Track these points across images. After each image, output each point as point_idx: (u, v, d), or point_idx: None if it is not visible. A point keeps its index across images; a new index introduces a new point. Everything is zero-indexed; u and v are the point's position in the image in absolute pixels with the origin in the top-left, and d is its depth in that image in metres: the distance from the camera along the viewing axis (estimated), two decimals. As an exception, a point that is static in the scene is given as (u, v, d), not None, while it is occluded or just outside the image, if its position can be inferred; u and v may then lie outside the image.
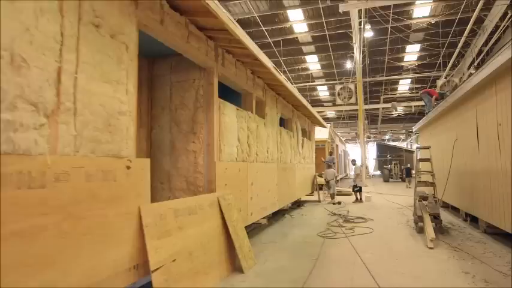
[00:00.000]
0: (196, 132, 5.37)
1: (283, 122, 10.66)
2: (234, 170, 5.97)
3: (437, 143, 10.12)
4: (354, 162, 15.29)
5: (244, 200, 6.42)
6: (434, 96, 11.69)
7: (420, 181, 7.92)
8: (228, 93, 7.19)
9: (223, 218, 5.13)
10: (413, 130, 14.99)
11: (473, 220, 8.17)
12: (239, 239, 5.30)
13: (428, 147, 8.21)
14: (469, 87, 6.98)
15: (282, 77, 7.47)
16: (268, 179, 8.02)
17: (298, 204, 12.94)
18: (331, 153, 16.94)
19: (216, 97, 5.42)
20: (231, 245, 5.12)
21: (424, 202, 7.55)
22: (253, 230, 7.67)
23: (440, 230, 7.43)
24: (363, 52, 22.91)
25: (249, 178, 6.67)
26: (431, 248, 6.20)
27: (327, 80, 29.23)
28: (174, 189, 5.44)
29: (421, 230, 7.51)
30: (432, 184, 7.81)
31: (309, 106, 11.18)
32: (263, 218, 7.54)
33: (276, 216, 10.02)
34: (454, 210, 9.92)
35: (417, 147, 8.40)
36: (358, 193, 14.03)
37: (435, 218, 7.40)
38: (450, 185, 8.88)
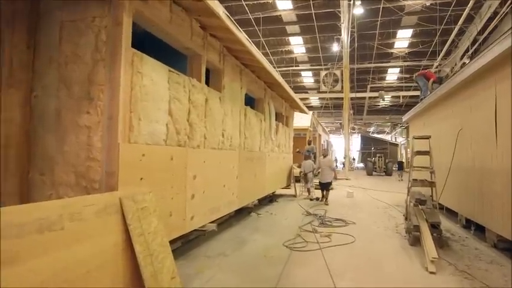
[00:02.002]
0: (93, 99, 3.50)
1: (252, 102, 8.84)
2: (161, 158, 4.13)
3: (433, 135, 8.47)
4: (325, 153, 12.17)
5: (180, 199, 4.61)
6: (431, 79, 9.98)
7: (416, 180, 6.26)
8: (173, 56, 5.35)
9: (128, 231, 3.31)
10: (403, 120, 13.37)
11: (477, 229, 6.60)
12: (155, 261, 3.50)
13: (427, 137, 6.55)
14: (488, 60, 5.28)
15: (243, 37, 5.63)
16: (224, 171, 6.22)
17: (270, 199, 11.24)
18: (310, 142, 15.21)
19: (127, 46, 3.55)
20: (139, 272, 3.32)
21: (420, 207, 5.89)
22: (197, 238, 5.88)
23: (439, 242, 5.79)
24: (351, 35, 21.18)
25: (189, 169, 4.85)
26: (432, 273, 4.54)
27: (311, 65, 27.42)
28: (58, 184, 3.58)
29: (415, 242, 5.88)
30: (431, 184, 6.16)
31: (285, 85, 9.37)
32: (212, 222, 5.75)
33: (240, 214, 8.27)
34: (449, 212, 8.36)
35: (413, 137, 6.72)
36: (326, 191, 11.21)
37: (433, 227, 5.76)
38: (449, 184, 7.26)
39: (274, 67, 19.81)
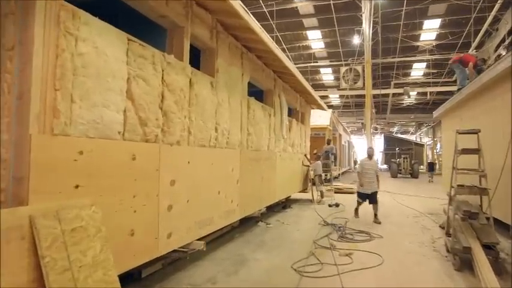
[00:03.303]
0: (-3, 70, 2.41)
1: (259, 95, 7.64)
2: (114, 157, 3.00)
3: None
4: (371, 153, 8.65)
5: (149, 212, 3.47)
6: (471, 63, 8.40)
7: (462, 186, 4.90)
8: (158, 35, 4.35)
9: (40, 267, 2.20)
10: (434, 116, 11.87)
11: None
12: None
13: (476, 132, 5.18)
14: None
15: (239, 6, 4.46)
16: (219, 174, 5.06)
17: (283, 205, 10.01)
18: (329, 142, 13.86)
19: (50, -7, 2.44)
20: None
21: (469, 221, 4.53)
22: (184, 258, 4.70)
23: (497, 267, 4.41)
24: (374, 26, 19.68)
25: (165, 172, 3.71)
26: (497, 319, 3.22)
27: (331, 61, 25.96)
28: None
29: (462, 266, 4.53)
30: (483, 191, 4.79)
31: (297, 74, 8.14)
32: (204, 238, 4.59)
33: (245, 224, 7.10)
34: (495, 224, 6.88)
35: (457, 132, 5.36)
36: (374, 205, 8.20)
37: (487, 247, 4.41)
38: (499, 190, 5.84)
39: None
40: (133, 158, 3.23)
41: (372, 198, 8.17)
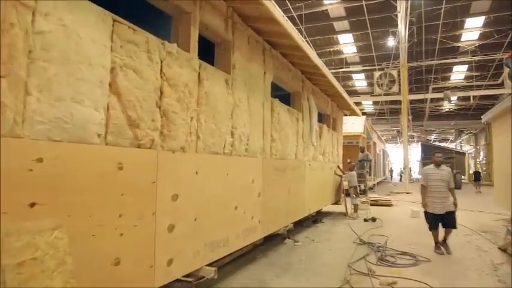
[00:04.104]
0: None
1: (287, 99, 6.91)
2: (90, 166, 2.36)
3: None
4: (438, 159, 6.34)
5: (142, 234, 2.80)
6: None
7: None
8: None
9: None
10: (483, 120, 10.63)
11: None
12: None
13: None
14: None
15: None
16: (236, 186, 4.35)
17: (314, 219, 9.14)
18: (362, 150, 12.84)
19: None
20: None
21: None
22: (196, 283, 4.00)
23: None
24: (410, 27, 18.50)
25: (164, 185, 3.04)
26: None
27: (364, 66, 24.83)
28: None
29: (543, 306, 3.54)
30: None
31: (328, 74, 7.33)
32: (215, 263, 3.88)
33: (271, 241, 6.33)
34: None
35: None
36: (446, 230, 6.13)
37: None
38: None
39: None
40: (119, 168, 2.58)
41: (447, 220, 6.02)
